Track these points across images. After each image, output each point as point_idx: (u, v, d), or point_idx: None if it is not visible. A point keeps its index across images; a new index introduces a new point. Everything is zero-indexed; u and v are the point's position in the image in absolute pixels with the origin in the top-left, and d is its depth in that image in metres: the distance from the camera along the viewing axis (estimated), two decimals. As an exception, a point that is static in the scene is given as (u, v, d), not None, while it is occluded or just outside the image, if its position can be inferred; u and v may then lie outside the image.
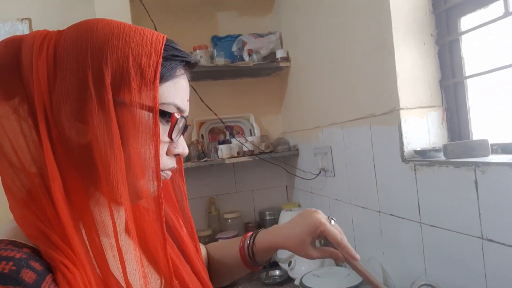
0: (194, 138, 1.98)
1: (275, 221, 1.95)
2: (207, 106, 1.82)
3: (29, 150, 0.44)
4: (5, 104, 0.45)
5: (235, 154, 1.84)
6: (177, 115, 0.50)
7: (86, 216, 0.43)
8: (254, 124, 2.08)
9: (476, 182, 0.84)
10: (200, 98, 1.82)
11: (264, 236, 0.74)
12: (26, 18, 1.79)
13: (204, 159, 1.80)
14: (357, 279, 1.26)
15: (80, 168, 0.45)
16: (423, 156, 1.02)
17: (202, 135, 2.01)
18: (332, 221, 0.72)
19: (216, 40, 2.01)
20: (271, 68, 1.94)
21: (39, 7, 1.81)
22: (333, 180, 1.56)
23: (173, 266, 0.55)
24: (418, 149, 1.04)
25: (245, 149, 1.86)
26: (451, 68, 1.06)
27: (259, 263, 0.75)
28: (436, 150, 0.99)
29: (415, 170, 1.04)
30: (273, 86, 2.13)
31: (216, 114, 1.89)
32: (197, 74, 1.79)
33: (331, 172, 1.56)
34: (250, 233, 0.76)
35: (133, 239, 0.45)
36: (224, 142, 1.88)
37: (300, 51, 1.80)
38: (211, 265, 0.79)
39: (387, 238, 1.21)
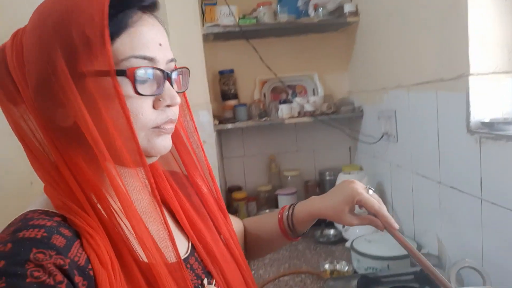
0: (256, 97, 2.00)
1: (335, 181, 1.94)
2: (266, 65, 1.81)
3: (40, 144, 0.48)
4: (15, 109, 0.49)
5: (296, 114, 1.84)
6: (137, 68, 0.46)
7: (117, 186, 0.45)
8: (318, 83, 2.03)
9: (546, 162, 0.75)
10: (260, 57, 1.81)
11: (303, 207, 0.75)
12: None
13: (264, 119, 1.83)
14: (409, 249, 1.24)
15: (81, 147, 0.47)
16: (490, 129, 0.92)
17: (264, 94, 2.03)
18: (370, 191, 0.72)
19: (281, -5, 1.94)
20: (338, 23, 1.84)
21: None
22: (395, 146, 1.50)
23: (198, 232, 0.58)
24: (487, 120, 0.95)
25: (307, 109, 1.84)
26: (538, 28, 0.92)
27: (299, 234, 0.76)
28: (505, 122, 0.89)
29: (480, 142, 0.95)
30: (340, 42, 2.03)
31: (275, 74, 1.88)
32: (259, 31, 1.79)
33: (394, 137, 1.49)
34: (287, 206, 0.78)
35: (157, 202, 0.47)
36: (285, 101, 1.88)
37: (370, 5, 1.67)
38: (249, 238, 0.82)
39: (446, 210, 1.16)
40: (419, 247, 1.28)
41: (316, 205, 0.74)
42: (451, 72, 1.05)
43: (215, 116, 1.81)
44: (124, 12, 0.47)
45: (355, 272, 1.26)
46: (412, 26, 1.28)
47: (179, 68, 0.54)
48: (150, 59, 0.48)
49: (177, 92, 0.53)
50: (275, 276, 1.27)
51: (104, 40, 0.44)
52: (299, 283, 1.26)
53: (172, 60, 0.53)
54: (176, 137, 0.60)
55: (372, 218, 0.70)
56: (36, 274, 0.38)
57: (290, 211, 0.75)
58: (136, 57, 0.47)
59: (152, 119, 0.49)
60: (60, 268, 0.40)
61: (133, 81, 0.46)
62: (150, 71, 0.48)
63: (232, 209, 1.89)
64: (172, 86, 0.51)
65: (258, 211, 1.91)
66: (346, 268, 1.30)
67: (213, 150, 1.70)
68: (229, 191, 1.98)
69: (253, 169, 2.07)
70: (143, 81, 0.48)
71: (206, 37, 1.77)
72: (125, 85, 0.46)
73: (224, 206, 0.68)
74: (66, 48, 0.44)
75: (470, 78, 0.97)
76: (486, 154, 0.94)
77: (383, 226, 0.70)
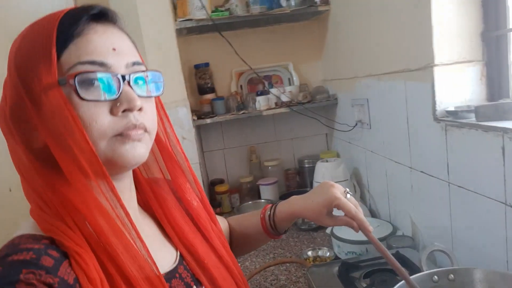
0: (233, 89, 2.01)
1: (314, 168, 1.99)
2: (240, 57, 1.82)
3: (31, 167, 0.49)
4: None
5: (273, 105, 1.87)
6: (77, 73, 0.46)
7: (91, 201, 0.46)
8: (293, 73, 2.06)
9: (503, 148, 0.81)
10: (234, 50, 1.82)
11: (284, 207, 0.78)
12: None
13: (242, 112, 1.85)
14: (385, 232, 1.30)
15: (58, 167, 0.47)
16: (454, 117, 0.98)
17: (241, 86, 2.04)
18: (348, 195, 0.75)
19: (252, -14, 1.94)
20: (310, 12, 1.86)
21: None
22: (369, 133, 1.55)
23: (187, 241, 0.60)
24: (451, 108, 1.00)
25: (283, 99, 1.87)
26: (495, 19, 0.97)
27: (280, 232, 0.80)
28: (468, 111, 0.95)
29: (446, 130, 1.01)
30: (313, 31, 2.05)
31: (251, 67, 1.89)
32: (232, 24, 1.79)
33: (367, 124, 1.54)
34: (269, 205, 0.81)
35: (126, 215, 0.48)
36: (262, 93, 1.90)
37: (339, -5, 1.70)
38: (234, 237, 0.84)
39: (418, 193, 1.22)
40: (395, 229, 1.35)
41: (296, 206, 0.78)
42: (418, 62, 1.09)
43: (193, 111, 1.82)
44: (71, 25, 0.47)
45: (336, 257, 1.32)
46: (380, 16, 1.31)
47: (144, 71, 0.53)
48: (100, 64, 0.48)
49: (147, 97, 0.52)
50: (261, 267, 1.32)
51: (50, 56, 0.45)
52: (284, 271, 1.31)
53: (135, 64, 0.52)
54: (160, 146, 0.61)
55: (349, 220, 0.73)
56: None
57: (272, 211, 0.79)
58: (83, 63, 0.47)
59: (109, 126, 0.48)
60: (50, 286, 0.41)
61: (74, 87, 0.45)
62: (95, 75, 0.47)
63: (216, 202, 1.92)
64: (133, 90, 0.50)
65: (241, 202, 1.95)
66: (328, 253, 1.36)
67: (193, 146, 1.72)
68: (212, 184, 2.01)
69: (234, 162, 2.10)
70: (89, 87, 0.46)
71: (180, 32, 1.76)
72: (72, 93, 0.46)
73: (213, 214, 0.69)
74: (23, 69, 0.47)
75: (435, 68, 1.02)
76: (452, 141, 0.99)
77: (358, 228, 0.73)
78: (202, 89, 1.96)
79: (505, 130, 0.79)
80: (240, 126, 2.06)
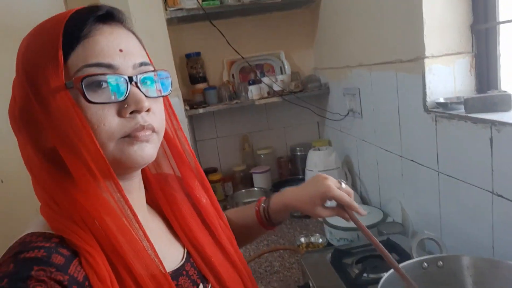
0: (225, 78, 2.01)
1: (306, 156, 2.02)
2: (231, 46, 1.81)
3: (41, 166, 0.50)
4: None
5: (265, 95, 1.87)
6: (84, 76, 0.46)
7: (99, 202, 0.47)
8: (285, 61, 2.06)
9: (491, 140, 0.84)
10: (226, 40, 1.81)
11: (278, 199, 0.80)
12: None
13: (235, 101, 1.85)
14: (376, 218, 1.34)
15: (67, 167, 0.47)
16: (444, 108, 1.00)
17: (233, 75, 2.04)
18: (343, 184, 0.78)
19: (243, -26, 1.92)
20: (301, 1, 1.86)
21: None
22: (360, 122, 1.57)
23: (194, 238, 0.61)
24: (441, 100, 1.03)
25: (275, 88, 1.88)
26: (484, 12, 0.98)
27: (275, 223, 0.82)
28: (457, 102, 0.97)
29: (436, 121, 1.03)
30: (304, 19, 2.05)
31: (242, 56, 1.88)
32: (223, 13, 1.78)
33: (358, 113, 1.56)
34: (263, 198, 0.83)
35: (133, 215, 0.49)
36: (254, 82, 1.90)
37: (331, -17, 1.70)
38: (232, 230, 0.87)
39: (408, 181, 1.26)
40: (385, 216, 1.38)
41: (290, 197, 0.80)
42: (409, 54, 1.11)
43: (185, 101, 1.82)
44: (78, 27, 0.47)
45: (328, 243, 1.36)
46: (372, 7, 1.32)
47: (151, 71, 0.53)
48: (107, 66, 0.48)
49: (152, 97, 0.52)
50: (256, 255, 1.35)
51: (57, 59, 0.45)
52: (277, 258, 1.34)
53: (143, 64, 0.52)
54: (170, 144, 0.62)
55: (340, 210, 0.77)
56: None
57: (267, 203, 0.81)
58: (90, 65, 0.47)
59: (117, 127, 0.48)
60: (60, 283, 0.42)
61: (81, 90, 0.46)
62: (102, 77, 0.47)
63: (209, 191, 1.93)
64: (141, 90, 0.50)
65: (234, 191, 1.98)
66: (320, 240, 1.40)
67: (186, 135, 1.72)
68: (205, 173, 2.01)
69: (227, 150, 2.11)
70: (96, 89, 0.47)
71: (170, 21, 1.75)
72: (80, 96, 0.46)
73: (221, 211, 0.70)
74: (28, 75, 0.47)
75: (426, 60, 1.04)
76: (441, 131, 1.02)
77: (350, 217, 0.77)
78: (194, 79, 1.96)
79: (493, 122, 0.82)
80: (232, 115, 2.06)
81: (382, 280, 0.70)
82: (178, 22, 1.84)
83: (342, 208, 0.77)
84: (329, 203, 0.79)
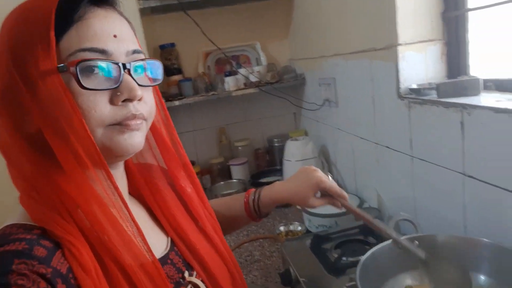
0: (200, 70, 1.99)
1: (283, 147, 2.04)
2: (207, 37, 1.79)
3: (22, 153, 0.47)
4: None
5: (242, 86, 1.87)
6: (78, 60, 0.44)
7: (87, 190, 0.45)
8: (261, 52, 2.06)
9: (462, 123, 0.87)
10: (201, 30, 1.79)
11: (269, 192, 0.82)
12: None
13: (211, 93, 1.84)
14: (354, 204, 1.36)
15: (52, 153, 0.45)
16: (417, 94, 1.03)
17: (208, 66, 2.02)
18: (330, 177, 0.82)
19: (217, -37, 1.90)
20: (276, -9, 1.86)
21: None
22: (336, 111, 1.60)
23: (178, 226, 0.60)
24: (414, 86, 1.06)
25: (252, 79, 1.88)
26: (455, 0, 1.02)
27: (263, 215, 0.83)
28: (430, 88, 1.00)
29: (409, 107, 1.06)
30: (279, 9, 2.04)
31: (218, 47, 1.87)
32: (197, 2, 1.76)
33: (334, 103, 1.58)
34: (253, 190, 0.83)
35: (124, 205, 0.48)
36: (230, 73, 1.89)
37: (305, -27, 1.70)
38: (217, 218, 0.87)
39: (383, 167, 1.29)
40: (362, 202, 1.42)
41: (282, 191, 0.82)
42: (382, 42, 1.14)
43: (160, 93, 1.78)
44: (71, 8, 0.45)
45: (307, 231, 1.38)
46: (346, -4, 1.34)
47: (144, 59, 0.52)
48: (102, 51, 0.46)
49: (145, 86, 0.51)
50: (236, 245, 1.36)
51: (49, 40, 0.43)
52: (258, 247, 1.35)
53: (135, 52, 0.51)
54: (155, 133, 0.61)
55: (331, 199, 0.82)
56: (20, 282, 0.39)
57: (256, 196, 0.81)
58: (84, 50, 0.45)
59: (109, 115, 0.47)
60: (43, 276, 0.41)
61: (76, 75, 0.44)
62: (96, 63, 0.46)
63: (187, 184, 1.92)
64: (133, 79, 0.49)
65: (212, 183, 1.97)
66: (299, 228, 1.41)
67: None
68: (182, 166, 2.00)
69: (204, 143, 2.10)
70: (89, 74, 0.45)
71: (144, 11, 1.71)
72: (72, 81, 0.45)
73: (206, 200, 0.69)
74: (15, 55, 0.44)
75: (399, 48, 1.06)
76: (414, 117, 1.05)
77: (341, 204, 0.82)
78: (169, 70, 1.93)
79: (463, 106, 0.85)
80: (209, 107, 2.05)
81: (360, 263, 0.72)
82: (152, 12, 1.81)
83: (331, 197, 0.81)
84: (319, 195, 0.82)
